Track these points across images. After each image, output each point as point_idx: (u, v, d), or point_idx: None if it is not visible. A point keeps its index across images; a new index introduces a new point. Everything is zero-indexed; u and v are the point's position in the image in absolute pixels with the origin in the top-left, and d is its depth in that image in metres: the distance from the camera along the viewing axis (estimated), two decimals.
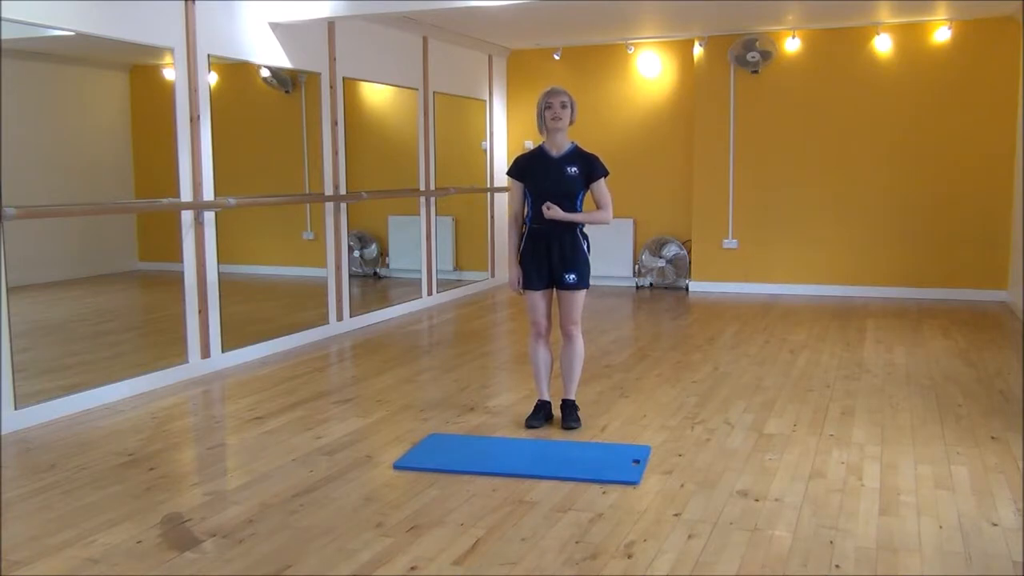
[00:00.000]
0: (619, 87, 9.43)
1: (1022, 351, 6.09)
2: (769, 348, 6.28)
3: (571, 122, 4.39)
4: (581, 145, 4.41)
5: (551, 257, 4.34)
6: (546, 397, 4.53)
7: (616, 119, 9.40)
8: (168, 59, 5.46)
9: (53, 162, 7.00)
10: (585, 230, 4.42)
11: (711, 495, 3.48)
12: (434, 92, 8.33)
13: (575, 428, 4.44)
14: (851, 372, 5.55)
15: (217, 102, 5.72)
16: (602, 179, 4.37)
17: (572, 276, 4.35)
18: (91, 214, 6.37)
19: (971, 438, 4.19)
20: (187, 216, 5.55)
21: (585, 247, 4.39)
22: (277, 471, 3.82)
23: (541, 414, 4.50)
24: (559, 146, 4.35)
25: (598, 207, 4.42)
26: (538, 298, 4.42)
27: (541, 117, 4.36)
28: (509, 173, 4.47)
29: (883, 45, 8.37)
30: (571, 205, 4.32)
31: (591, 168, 4.33)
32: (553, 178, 4.31)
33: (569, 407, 4.51)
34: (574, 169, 4.31)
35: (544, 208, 4.26)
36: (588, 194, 4.39)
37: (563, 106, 4.31)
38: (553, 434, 4.33)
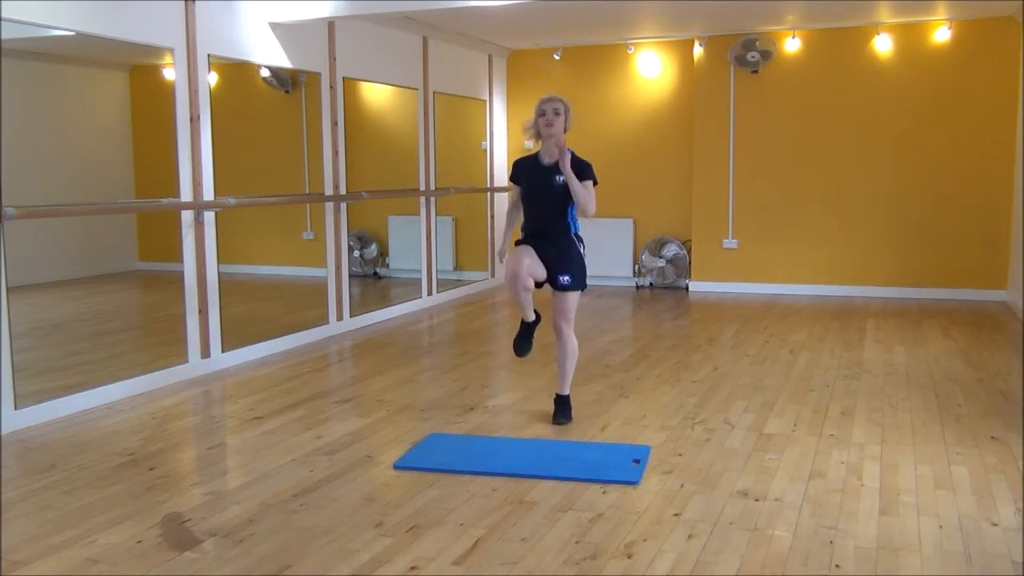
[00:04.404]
0: (619, 87, 9.43)
1: (1022, 351, 6.09)
2: (769, 348, 6.28)
3: (566, 129, 4.38)
4: (577, 152, 4.38)
5: (546, 257, 4.36)
6: (531, 318, 4.43)
7: (616, 119, 9.39)
8: (168, 59, 5.46)
9: (53, 162, 7.00)
10: (580, 233, 4.44)
11: (711, 495, 3.48)
12: (434, 92, 8.33)
13: (564, 423, 4.46)
14: (851, 372, 5.55)
15: (217, 102, 5.71)
16: (589, 182, 4.33)
17: (566, 278, 4.35)
18: (91, 214, 6.38)
19: (971, 438, 4.19)
20: (187, 216, 5.55)
21: (580, 250, 4.41)
22: (277, 471, 3.82)
23: (527, 334, 4.46)
24: (552, 154, 4.36)
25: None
26: (524, 251, 4.29)
27: (535, 125, 4.37)
28: (510, 177, 4.57)
29: (883, 45, 8.37)
30: (560, 214, 4.37)
31: (580, 172, 4.29)
32: (542, 186, 4.37)
33: (562, 403, 4.53)
34: (561, 178, 4.31)
35: (558, 157, 4.22)
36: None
37: (556, 113, 4.32)
38: (553, 434, 4.33)
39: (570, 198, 4.35)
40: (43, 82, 6.85)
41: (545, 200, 4.37)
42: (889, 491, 3.51)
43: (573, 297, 4.42)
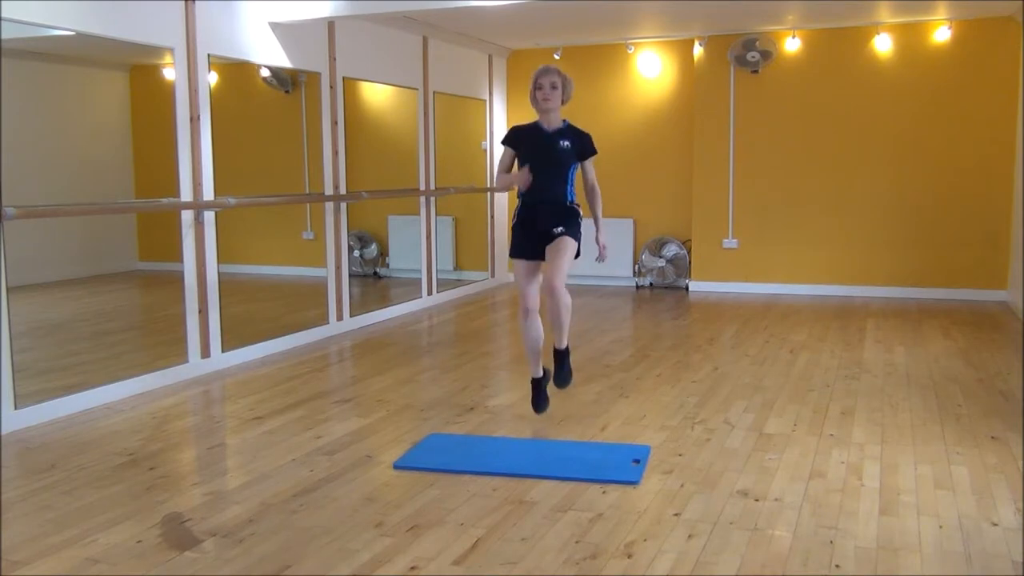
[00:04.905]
0: (619, 87, 9.43)
1: (1022, 351, 6.09)
2: (769, 348, 6.28)
3: (564, 101, 4.41)
4: (573, 123, 4.47)
5: (542, 223, 4.35)
6: (539, 373, 4.51)
7: (616, 119, 9.40)
8: (168, 59, 5.46)
9: (53, 162, 7.00)
10: (576, 205, 4.45)
11: (711, 495, 3.48)
12: (434, 92, 8.33)
13: (567, 385, 4.49)
14: (851, 372, 5.55)
15: (217, 102, 5.72)
16: (591, 157, 4.45)
17: (560, 228, 4.35)
18: (91, 214, 6.38)
19: (971, 438, 4.19)
20: (187, 216, 5.55)
21: (579, 215, 4.43)
22: (277, 471, 3.82)
23: (541, 390, 4.51)
24: (551, 123, 4.41)
25: (588, 185, 4.52)
26: (526, 268, 4.42)
27: (533, 97, 4.40)
28: (504, 141, 4.54)
29: (883, 45, 8.37)
30: (563, 176, 4.39)
31: (584, 144, 4.42)
32: (545, 151, 4.38)
33: (560, 357, 4.48)
34: (566, 143, 4.39)
35: (601, 259, 4.51)
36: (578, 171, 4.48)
37: (553, 87, 4.34)
38: (553, 434, 4.33)
39: (572, 163, 4.38)
40: (43, 82, 6.85)
41: (547, 167, 4.36)
42: (889, 491, 3.51)
43: (567, 246, 4.32)
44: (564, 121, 4.44)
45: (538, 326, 4.44)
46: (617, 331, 7.12)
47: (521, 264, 4.43)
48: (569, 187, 4.42)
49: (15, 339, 4.46)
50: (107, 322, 7.15)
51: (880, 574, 2.81)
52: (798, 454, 3.97)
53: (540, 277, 4.46)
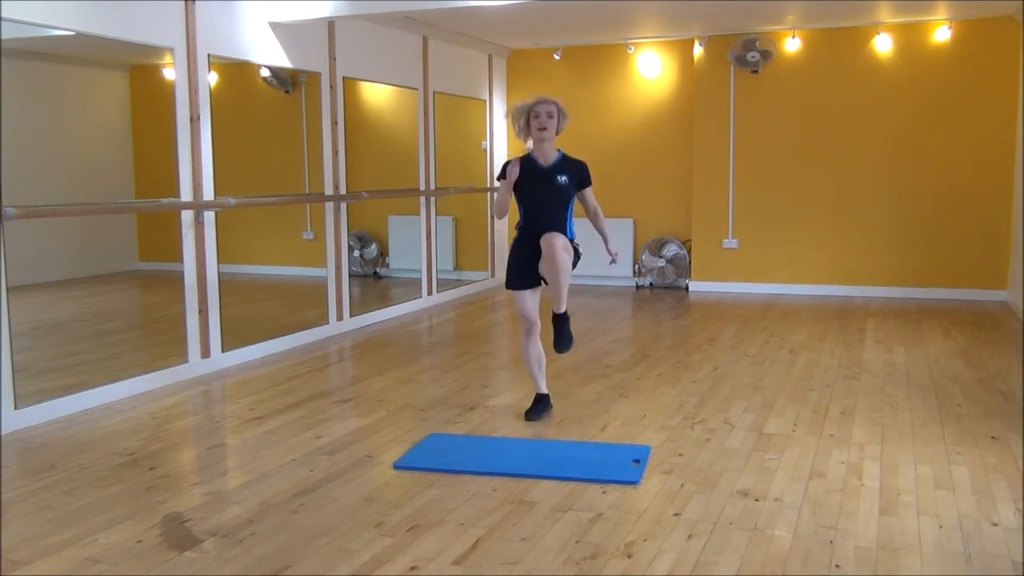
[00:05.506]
0: (619, 87, 9.43)
1: (1022, 351, 6.09)
2: (769, 348, 6.28)
3: (558, 131, 4.39)
4: (577, 153, 4.49)
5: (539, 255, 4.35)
6: (543, 390, 4.58)
7: (616, 119, 9.40)
8: (168, 59, 5.46)
9: (53, 162, 7.00)
10: (576, 241, 4.47)
11: (711, 495, 3.48)
12: (434, 92, 8.33)
13: (568, 348, 4.49)
14: (851, 372, 5.55)
15: (217, 102, 5.72)
16: (589, 188, 4.47)
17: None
18: (91, 214, 6.38)
19: (971, 438, 4.19)
20: (187, 216, 5.55)
21: (575, 249, 4.42)
22: (277, 471, 3.82)
23: (540, 407, 4.55)
24: (546, 155, 4.38)
25: (591, 211, 4.56)
26: (526, 295, 4.45)
27: (526, 125, 4.33)
28: (500, 176, 4.48)
29: (883, 45, 8.37)
30: (563, 212, 4.41)
31: (581, 176, 4.43)
32: (545, 188, 4.37)
33: (560, 321, 4.44)
34: (564, 178, 4.39)
35: (612, 261, 4.47)
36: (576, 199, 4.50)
37: (550, 116, 4.31)
38: (553, 434, 4.33)
39: (571, 196, 4.39)
40: (43, 82, 6.85)
41: (545, 203, 4.38)
42: (889, 491, 3.51)
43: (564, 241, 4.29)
44: (559, 152, 4.41)
45: (539, 347, 4.50)
46: (617, 331, 7.12)
47: (521, 293, 4.44)
48: (568, 221, 4.43)
49: (15, 339, 4.46)
50: (107, 322, 7.16)
51: (880, 574, 2.81)
52: (798, 454, 3.97)
53: (539, 295, 4.48)
